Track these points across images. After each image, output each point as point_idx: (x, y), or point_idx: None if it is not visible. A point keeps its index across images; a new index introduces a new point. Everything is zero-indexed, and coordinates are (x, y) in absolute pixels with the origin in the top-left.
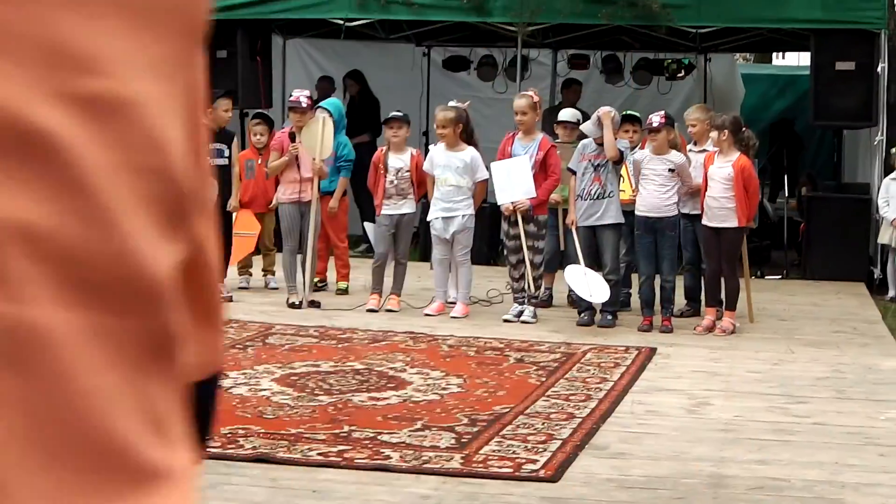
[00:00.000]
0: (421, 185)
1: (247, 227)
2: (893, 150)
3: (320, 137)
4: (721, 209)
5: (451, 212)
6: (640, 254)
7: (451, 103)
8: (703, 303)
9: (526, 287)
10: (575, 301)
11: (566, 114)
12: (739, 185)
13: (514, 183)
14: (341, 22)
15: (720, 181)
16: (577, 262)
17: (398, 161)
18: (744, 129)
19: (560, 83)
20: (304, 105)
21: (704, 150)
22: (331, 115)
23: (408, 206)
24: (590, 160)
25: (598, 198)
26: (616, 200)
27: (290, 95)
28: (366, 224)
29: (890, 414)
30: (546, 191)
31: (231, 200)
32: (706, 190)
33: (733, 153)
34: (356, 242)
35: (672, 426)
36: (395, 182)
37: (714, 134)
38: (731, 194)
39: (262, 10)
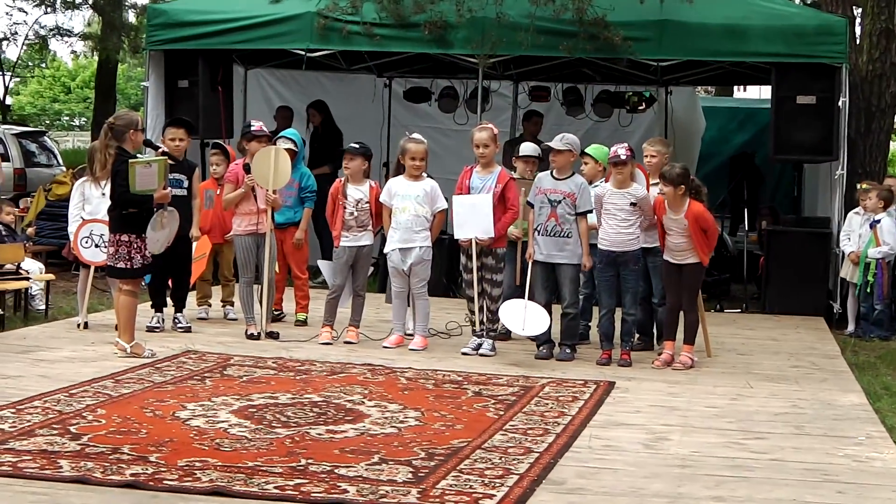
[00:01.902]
0: (378, 216)
1: (199, 251)
2: (862, 185)
3: (272, 167)
4: (682, 250)
5: (408, 243)
6: (601, 287)
7: (416, 135)
8: (655, 336)
9: (484, 320)
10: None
11: (527, 148)
12: (697, 231)
13: (474, 220)
14: (302, 52)
15: (678, 230)
16: (531, 295)
17: (357, 192)
18: (692, 178)
19: (521, 115)
20: (267, 133)
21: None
22: (295, 145)
23: (366, 238)
24: (546, 194)
25: (555, 234)
26: (576, 239)
27: (252, 126)
28: (320, 262)
29: (848, 450)
30: (504, 225)
31: (192, 230)
32: (664, 233)
33: (684, 204)
34: (315, 273)
35: (629, 461)
36: (355, 213)
37: (669, 190)
38: (689, 238)
39: (224, 40)
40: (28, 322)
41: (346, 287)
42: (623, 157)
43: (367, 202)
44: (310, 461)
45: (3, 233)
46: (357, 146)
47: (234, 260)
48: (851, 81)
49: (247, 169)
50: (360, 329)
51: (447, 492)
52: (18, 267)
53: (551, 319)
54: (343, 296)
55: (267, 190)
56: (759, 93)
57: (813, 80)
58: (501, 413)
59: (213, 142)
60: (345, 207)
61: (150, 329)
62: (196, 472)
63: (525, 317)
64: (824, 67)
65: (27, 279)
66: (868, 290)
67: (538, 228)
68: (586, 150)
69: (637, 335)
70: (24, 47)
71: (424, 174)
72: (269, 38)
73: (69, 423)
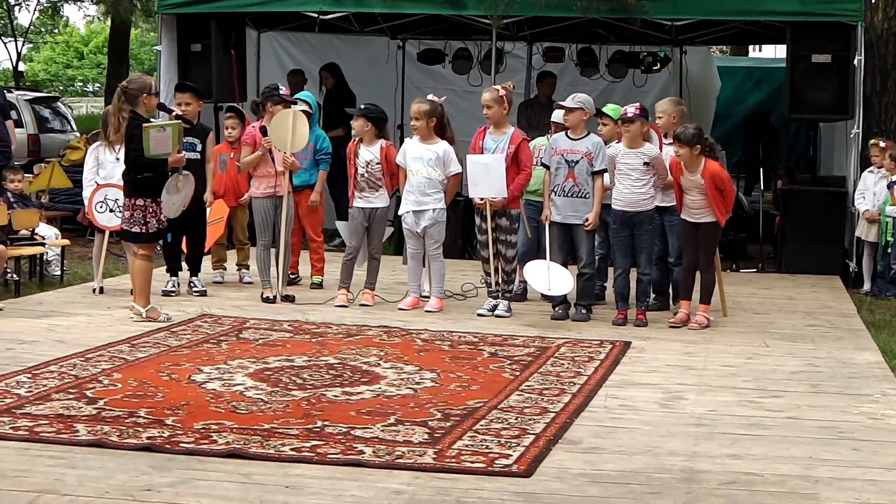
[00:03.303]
0: (393, 176)
1: (215, 215)
2: (871, 141)
3: (290, 130)
4: (700, 208)
5: (421, 205)
6: (616, 248)
7: (429, 97)
8: (670, 296)
9: (500, 281)
10: (549, 295)
11: (559, 115)
12: (713, 189)
13: (487, 181)
14: (315, 15)
15: (695, 189)
16: (550, 254)
17: (367, 153)
18: (705, 136)
19: (535, 76)
20: (292, 99)
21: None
22: (310, 108)
23: (380, 200)
24: (562, 155)
25: (572, 195)
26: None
27: (281, 89)
28: (338, 223)
29: (864, 408)
30: (518, 186)
31: (206, 194)
32: (682, 192)
33: (700, 163)
34: (331, 236)
35: (645, 420)
36: (366, 175)
37: (684, 151)
38: (707, 196)
39: (236, 3)
40: (44, 287)
41: (362, 249)
42: (630, 115)
43: (377, 163)
44: (326, 423)
45: (12, 199)
46: (362, 108)
47: (249, 223)
48: (867, 40)
49: (263, 131)
50: (376, 291)
51: (463, 452)
52: (33, 232)
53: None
54: (359, 258)
55: (284, 152)
56: (774, 52)
57: (828, 38)
58: (517, 374)
59: (229, 105)
60: (356, 168)
61: (166, 293)
62: (212, 434)
63: (549, 277)
64: (840, 26)
65: (42, 245)
66: (889, 249)
67: (555, 189)
68: (604, 110)
69: (653, 295)
70: (37, 13)
71: (436, 137)
72: (281, 1)
73: (85, 388)
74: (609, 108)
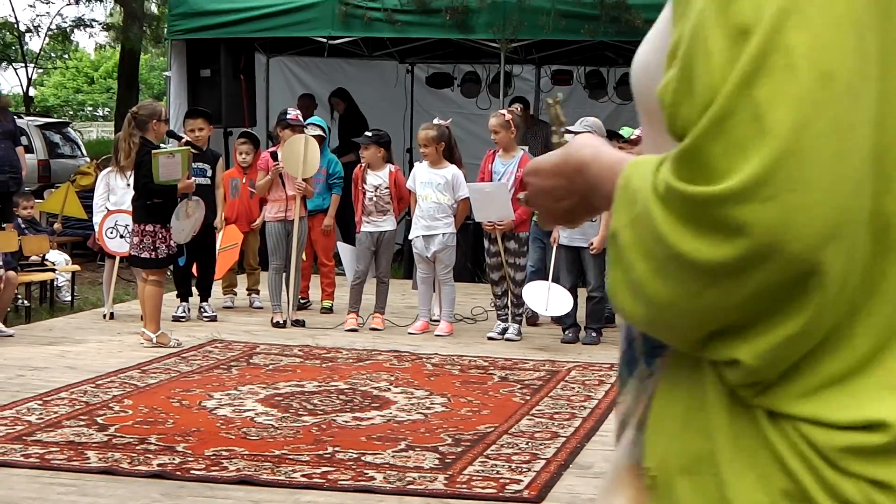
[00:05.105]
0: (402, 200)
1: (229, 241)
2: None
3: (302, 156)
4: None
5: (431, 230)
6: None
7: (435, 121)
8: None
9: (508, 304)
10: (559, 318)
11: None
12: None
13: (492, 206)
14: (324, 39)
15: None
16: (557, 277)
17: (376, 178)
18: None
19: (542, 100)
20: (302, 123)
21: None
22: (323, 131)
23: (388, 224)
24: None
25: None
26: (599, 222)
27: (289, 114)
28: (340, 245)
29: None
30: (526, 210)
31: (217, 220)
32: None
33: None
34: (340, 261)
35: None
36: (374, 199)
37: None
38: None
39: (245, 28)
40: (54, 313)
41: (370, 272)
42: (634, 137)
43: (386, 187)
44: (336, 449)
45: (23, 226)
46: (369, 135)
47: (260, 248)
48: None
49: (274, 156)
50: (386, 315)
51: (474, 477)
52: (44, 258)
53: (576, 302)
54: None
55: (296, 178)
56: None
57: None
58: (528, 398)
59: (242, 131)
60: (364, 193)
61: (176, 318)
62: (223, 461)
63: (548, 297)
64: None
65: (53, 270)
66: None
67: None
68: (620, 132)
69: None
70: (47, 39)
71: (445, 161)
72: (290, 26)
73: (96, 414)
74: (624, 131)
